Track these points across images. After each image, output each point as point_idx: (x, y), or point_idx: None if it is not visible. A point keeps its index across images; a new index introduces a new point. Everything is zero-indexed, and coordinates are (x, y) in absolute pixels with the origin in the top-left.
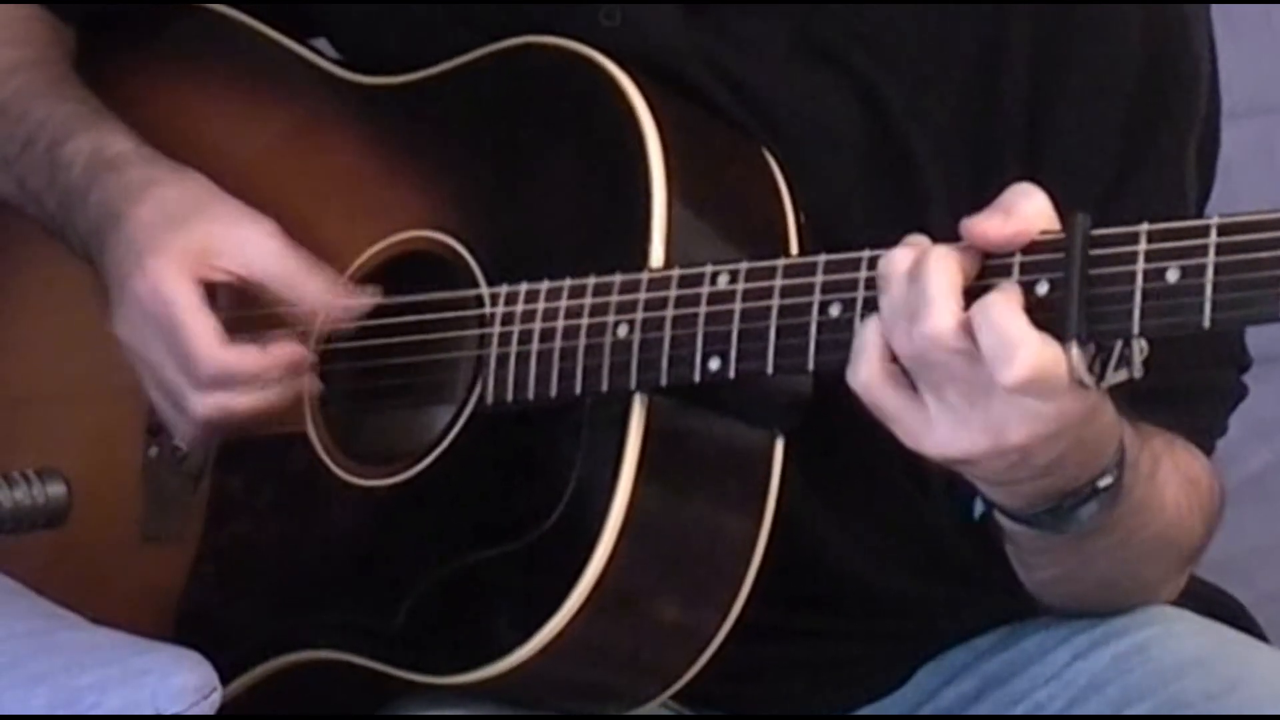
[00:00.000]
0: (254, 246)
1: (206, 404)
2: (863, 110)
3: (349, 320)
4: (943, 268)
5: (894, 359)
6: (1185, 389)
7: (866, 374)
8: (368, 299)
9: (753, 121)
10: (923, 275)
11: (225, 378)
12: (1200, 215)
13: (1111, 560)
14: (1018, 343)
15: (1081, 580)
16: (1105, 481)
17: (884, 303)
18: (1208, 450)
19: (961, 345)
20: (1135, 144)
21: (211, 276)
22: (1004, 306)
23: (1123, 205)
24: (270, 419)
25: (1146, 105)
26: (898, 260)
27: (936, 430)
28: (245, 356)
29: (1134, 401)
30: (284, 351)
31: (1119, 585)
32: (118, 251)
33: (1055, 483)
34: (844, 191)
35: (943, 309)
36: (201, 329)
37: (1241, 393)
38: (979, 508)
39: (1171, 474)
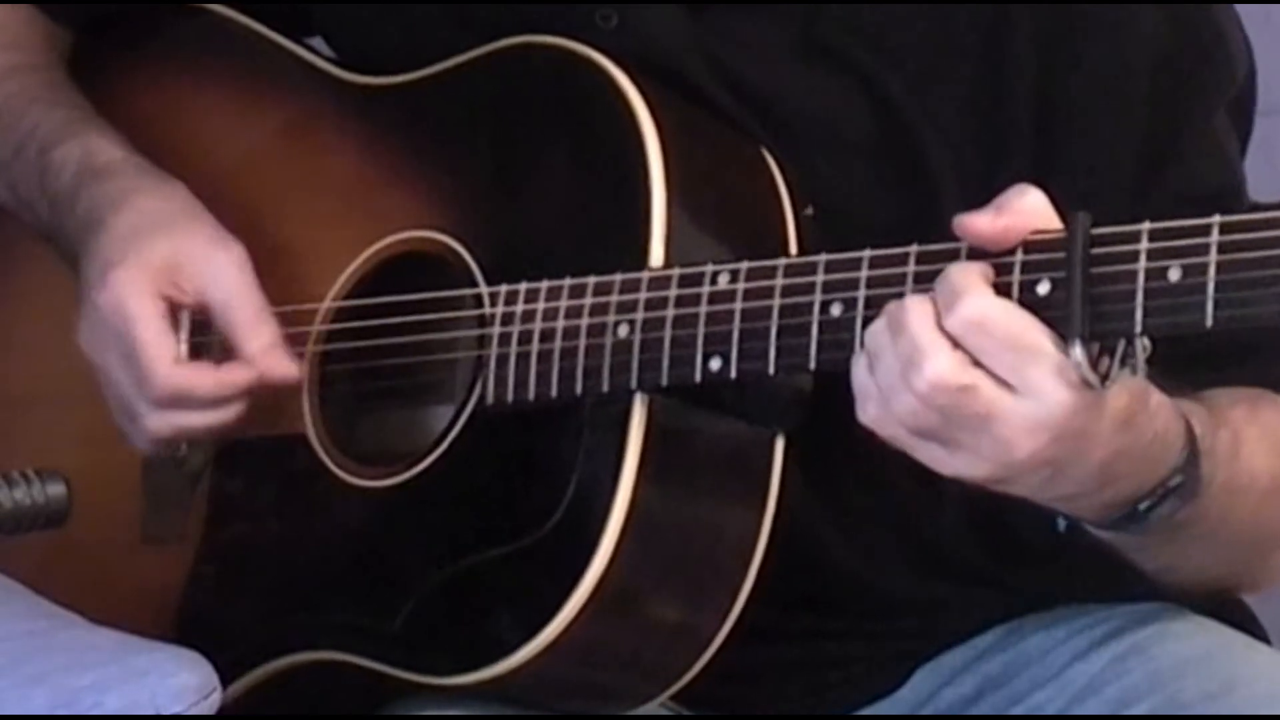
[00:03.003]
0: (217, 272)
1: (158, 421)
2: (868, 107)
3: (279, 382)
4: (921, 311)
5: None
6: (1259, 343)
7: (876, 412)
8: (297, 371)
9: (754, 121)
10: (904, 325)
11: (177, 398)
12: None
13: (1215, 542)
14: (991, 316)
15: (1194, 563)
16: (1176, 480)
17: (879, 373)
18: None
19: (967, 380)
20: (1169, 121)
21: (174, 295)
22: (983, 303)
23: (1168, 181)
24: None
25: (1173, 82)
26: (875, 328)
27: (953, 461)
28: (198, 378)
29: (1209, 360)
30: (238, 375)
31: (1235, 560)
32: (89, 261)
33: (1120, 492)
34: (852, 189)
35: (937, 349)
36: (157, 347)
37: None
38: (1062, 523)
39: (1259, 444)
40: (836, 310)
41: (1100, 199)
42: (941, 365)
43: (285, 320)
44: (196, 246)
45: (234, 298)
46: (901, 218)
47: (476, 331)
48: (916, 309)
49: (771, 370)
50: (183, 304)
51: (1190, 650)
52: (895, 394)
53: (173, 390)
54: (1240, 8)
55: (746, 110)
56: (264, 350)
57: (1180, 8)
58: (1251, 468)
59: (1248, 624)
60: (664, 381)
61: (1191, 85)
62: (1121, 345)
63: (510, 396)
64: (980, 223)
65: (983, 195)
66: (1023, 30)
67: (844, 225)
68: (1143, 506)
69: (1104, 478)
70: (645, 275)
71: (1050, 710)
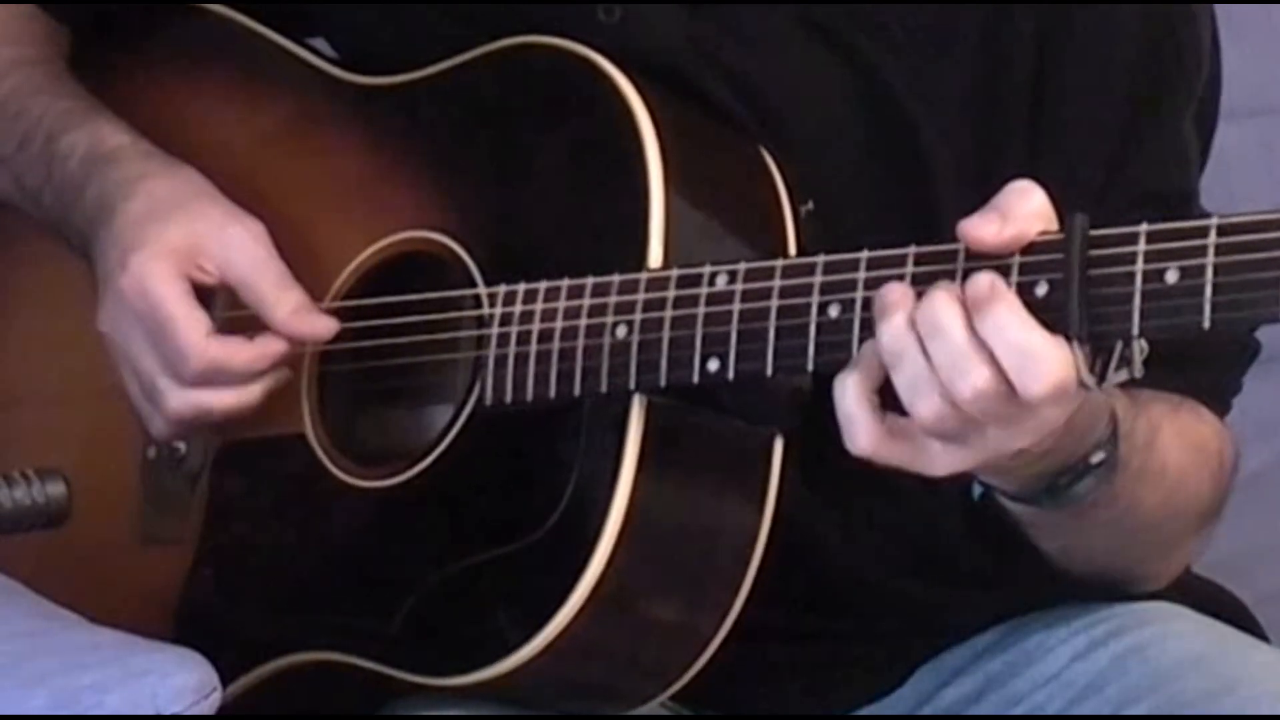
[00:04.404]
0: (237, 248)
1: (184, 401)
2: (868, 101)
3: (315, 344)
4: (952, 314)
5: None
6: (1195, 351)
7: (868, 441)
8: (333, 325)
9: (753, 116)
10: (940, 332)
11: (213, 372)
12: (1197, 184)
13: (1119, 529)
14: (1041, 356)
15: (1092, 548)
16: (1098, 457)
17: (902, 379)
18: (1223, 410)
19: (1005, 387)
20: (1138, 119)
21: (198, 277)
22: (1017, 322)
23: (1129, 178)
24: (247, 419)
25: (1148, 79)
26: (896, 320)
27: (946, 459)
28: (235, 349)
29: (1144, 365)
30: (272, 347)
31: (1133, 551)
32: (106, 247)
33: (1049, 464)
34: (849, 179)
35: (977, 361)
36: (189, 323)
37: (1255, 348)
38: (977, 489)
39: (1173, 440)
40: (834, 311)
41: (1081, 194)
42: (984, 374)
43: None
44: (213, 224)
45: (256, 270)
46: (899, 213)
47: (475, 332)
48: (949, 309)
49: (769, 371)
50: (206, 284)
51: (1190, 650)
52: (920, 398)
53: (208, 363)
54: (1240, 8)
55: (746, 106)
56: (293, 313)
57: (1164, 8)
58: (1164, 460)
59: (1248, 624)
60: (662, 382)
61: (1164, 82)
62: (1119, 347)
63: (509, 397)
64: (986, 232)
65: (979, 189)
66: (1023, 24)
67: (841, 220)
68: (1063, 481)
69: (1045, 451)
70: (643, 276)
71: (1051, 710)
